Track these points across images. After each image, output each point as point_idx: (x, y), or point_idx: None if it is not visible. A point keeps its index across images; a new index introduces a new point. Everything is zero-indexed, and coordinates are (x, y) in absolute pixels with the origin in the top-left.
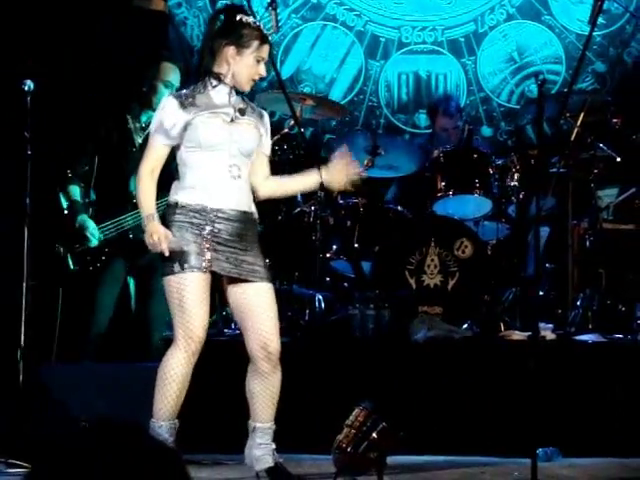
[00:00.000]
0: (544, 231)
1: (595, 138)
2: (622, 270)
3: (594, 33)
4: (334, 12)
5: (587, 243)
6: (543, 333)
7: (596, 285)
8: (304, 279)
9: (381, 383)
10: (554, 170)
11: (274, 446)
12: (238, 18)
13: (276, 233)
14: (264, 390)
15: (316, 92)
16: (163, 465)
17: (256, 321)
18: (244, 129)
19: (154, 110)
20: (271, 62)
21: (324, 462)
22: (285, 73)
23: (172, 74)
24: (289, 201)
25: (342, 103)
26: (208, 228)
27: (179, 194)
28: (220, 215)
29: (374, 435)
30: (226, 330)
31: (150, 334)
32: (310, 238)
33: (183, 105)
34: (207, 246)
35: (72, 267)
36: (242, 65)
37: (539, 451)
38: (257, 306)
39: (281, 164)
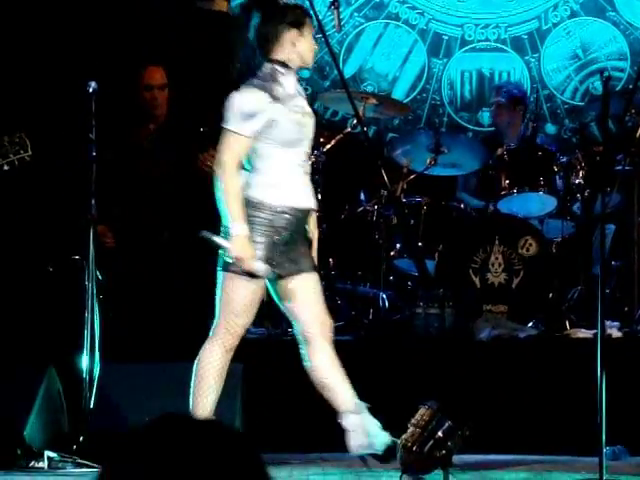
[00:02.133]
0: (609, 228)
1: None
2: None
3: None
4: (397, 10)
5: None
6: (609, 331)
7: None
8: (368, 278)
9: (446, 382)
10: (619, 167)
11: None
12: (283, 2)
13: (339, 232)
14: (338, 370)
15: (379, 91)
16: (239, 455)
17: (313, 303)
18: (311, 123)
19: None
20: (334, 61)
21: None
22: (347, 72)
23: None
24: (353, 200)
25: (405, 101)
26: (282, 231)
27: (257, 191)
28: (297, 214)
29: (440, 434)
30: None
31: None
32: (374, 237)
33: (269, 98)
34: (275, 253)
35: None
36: (306, 43)
37: (606, 450)
38: (312, 292)
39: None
